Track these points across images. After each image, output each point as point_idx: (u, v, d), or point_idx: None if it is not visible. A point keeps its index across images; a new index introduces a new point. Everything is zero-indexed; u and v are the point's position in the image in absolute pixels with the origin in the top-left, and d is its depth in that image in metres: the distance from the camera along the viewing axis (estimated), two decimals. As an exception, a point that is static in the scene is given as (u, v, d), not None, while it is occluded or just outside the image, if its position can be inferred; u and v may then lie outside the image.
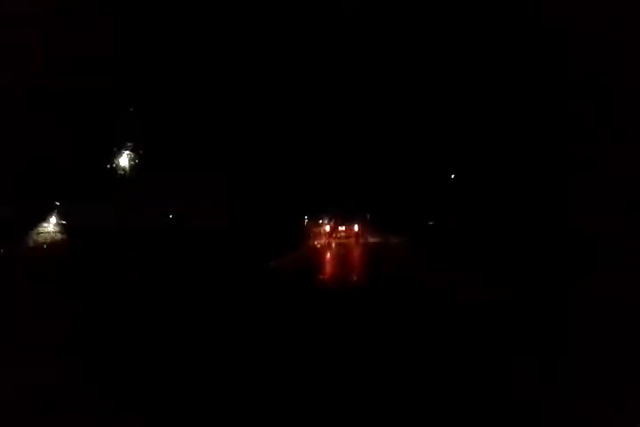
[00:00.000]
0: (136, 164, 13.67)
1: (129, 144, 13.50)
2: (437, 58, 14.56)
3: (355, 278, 11.12)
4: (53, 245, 11.60)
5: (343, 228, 24.37)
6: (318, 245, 20.44)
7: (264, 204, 15.93)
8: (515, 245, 11.10)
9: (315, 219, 25.16)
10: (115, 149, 13.37)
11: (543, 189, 12.40)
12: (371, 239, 22.52)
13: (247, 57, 13.85)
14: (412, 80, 15.55)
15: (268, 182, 16.17)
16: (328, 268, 13.87)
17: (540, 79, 12.11)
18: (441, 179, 17.59)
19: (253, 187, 15.75)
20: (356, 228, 23.81)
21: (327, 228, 24.88)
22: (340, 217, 24.46)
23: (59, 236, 11.90)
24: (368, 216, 23.64)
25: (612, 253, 8.09)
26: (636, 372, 4.06)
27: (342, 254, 17.56)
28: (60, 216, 12.13)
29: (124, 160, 13.91)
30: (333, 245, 21.19)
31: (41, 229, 11.89)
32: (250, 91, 14.30)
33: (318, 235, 23.80)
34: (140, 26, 11.46)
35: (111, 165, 13.34)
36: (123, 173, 13.60)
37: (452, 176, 16.93)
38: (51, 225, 12.19)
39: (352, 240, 22.72)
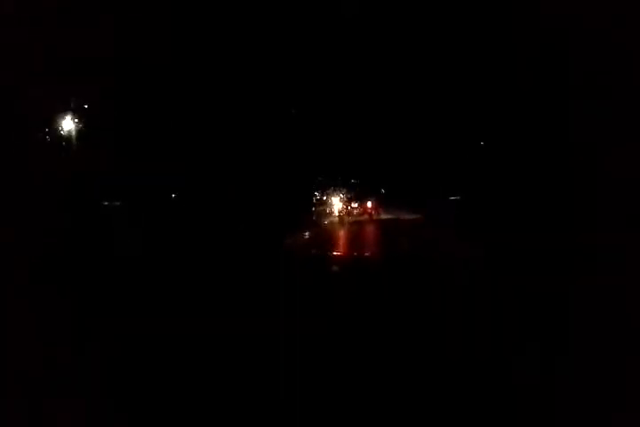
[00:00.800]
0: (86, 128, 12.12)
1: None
2: (435, 55, 14.57)
3: (368, 256, 11.31)
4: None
5: (356, 204, 23.85)
6: (330, 223, 20.32)
7: (270, 180, 15.52)
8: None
9: (326, 195, 24.76)
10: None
11: (541, 195, 12.39)
12: (385, 216, 22.34)
13: (247, 50, 13.85)
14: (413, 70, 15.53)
15: (273, 156, 15.71)
16: (341, 246, 13.98)
17: (540, 82, 12.12)
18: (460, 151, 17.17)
19: (258, 160, 15.33)
20: (369, 204, 23.41)
21: (340, 204, 24.36)
22: (353, 193, 23.90)
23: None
24: (383, 191, 23.06)
25: (612, 258, 8.10)
26: (635, 370, 4.06)
27: (355, 232, 17.56)
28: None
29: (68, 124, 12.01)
30: (346, 222, 21.03)
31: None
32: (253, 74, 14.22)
33: (330, 212, 23.54)
34: (140, 26, 11.47)
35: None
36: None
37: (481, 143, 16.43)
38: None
39: (365, 217, 22.48)
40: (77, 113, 12.23)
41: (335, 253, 12.03)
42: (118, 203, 13.21)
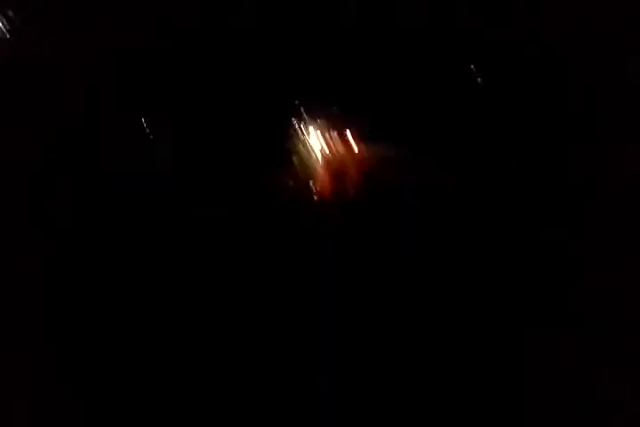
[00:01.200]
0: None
1: None
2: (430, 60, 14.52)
3: (352, 192, 10.98)
4: None
5: (336, 135, 22.79)
6: (309, 158, 19.78)
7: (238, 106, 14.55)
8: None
9: (303, 126, 23.88)
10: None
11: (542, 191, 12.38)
12: (371, 149, 21.64)
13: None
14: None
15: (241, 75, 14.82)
16: (323, 183, 13.50)
17: (539, 82, 12.13)
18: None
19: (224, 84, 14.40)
20: (350, 137, 22.47)
21: (319, 137, 23.34)
22: (334, 123, 22.78)
23: None
24: (368, 121, 21.96)
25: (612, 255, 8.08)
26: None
27: (337, 168, 17.15)
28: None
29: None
30: (327, 157, 20.45)
31: None
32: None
33: (309, 146, 22.78)
34: (141, 26, 11.48)
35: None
36: None
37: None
38: None
39: (348, 151, 21.70)
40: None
41: (318, 194, 11.61)
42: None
